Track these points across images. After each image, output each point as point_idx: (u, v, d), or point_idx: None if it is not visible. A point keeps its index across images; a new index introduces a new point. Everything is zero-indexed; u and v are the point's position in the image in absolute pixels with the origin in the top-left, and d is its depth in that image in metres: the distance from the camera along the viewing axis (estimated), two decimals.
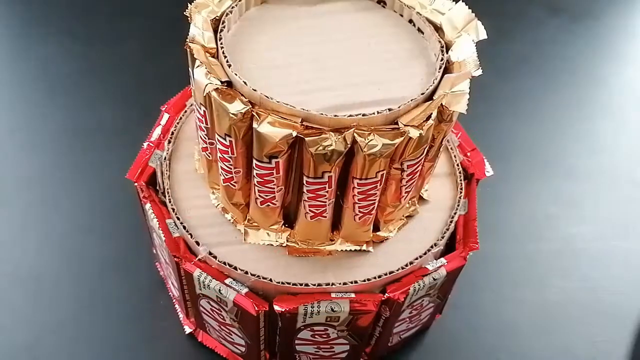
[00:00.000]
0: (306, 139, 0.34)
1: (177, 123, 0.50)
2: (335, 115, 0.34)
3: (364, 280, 0.42)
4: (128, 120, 0.69)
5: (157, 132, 0.49)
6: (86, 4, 0.86)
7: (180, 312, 0.53)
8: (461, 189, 0.48)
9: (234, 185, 0.41)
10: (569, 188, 0.69)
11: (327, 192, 0.38)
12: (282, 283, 0.41)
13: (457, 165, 0.49)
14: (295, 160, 0.37)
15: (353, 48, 0.40)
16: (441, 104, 0.36)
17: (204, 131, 0.41)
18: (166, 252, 0.44)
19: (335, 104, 0.36)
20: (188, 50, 0.37)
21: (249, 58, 0.38)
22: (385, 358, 0.53)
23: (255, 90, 0.35)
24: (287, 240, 0.43)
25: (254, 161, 0.37)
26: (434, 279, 0.43)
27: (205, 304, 0.45)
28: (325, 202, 0.39)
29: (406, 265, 0.43)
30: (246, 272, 0.41)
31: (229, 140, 0.37)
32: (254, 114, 0.35)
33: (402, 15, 0.43)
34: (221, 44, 0.38)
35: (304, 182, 0.37)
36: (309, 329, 0.43)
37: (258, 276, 0.41)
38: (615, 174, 0.71)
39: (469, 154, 0.50)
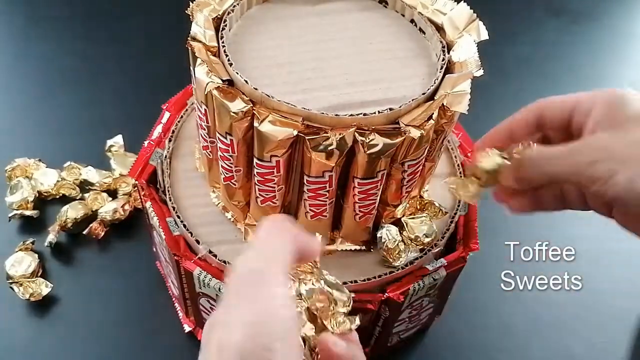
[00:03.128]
0: (307, 138, 0.34)
1: (178, 122, 0.50)
2: (337, 115, 0.34)
3: (364, 280, 0.42)
4: (129, 118, 0.69)
5: (157, 131, 0.49)
6: (87, 2, 0.86)
7: (180, 310, 0.53)
8: None
9: (235, 184, 0.41)
10: None
11: (327, 191, 0.38)
12: None
13: (458, 165, 0.49)
14: (296, 160, 0.37)
15: (354, 47, 0.40)
16: (442, 104, 0.36)
17: (204, 130, 0.41)
18: (166, 250, 0.44)
19: (337, 103, 0.36)
20: (189, 48, 0.37)
21: (250, 57, 0.38)
22: (384, 358, 0.53)
23: (256, 89, 0.35)
24: None
25: (255, 160, 0.37)
26: (434, 279, 0.43)
27: (205, 302, 0.45)
28: (326, 201, 0.39)
29: (406, 265, 0.43)
30: None
31: (230, 139, 0.37)
32: (255, 112, 0.35)
33: (403, 15, 0.43)
34: (222, 42, 0.38)
35: (305, 181, 0.37)
36: None
37: None
38: None
39: (469, 154, 0.50)
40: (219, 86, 0.35)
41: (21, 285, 0.54)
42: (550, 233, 0.63)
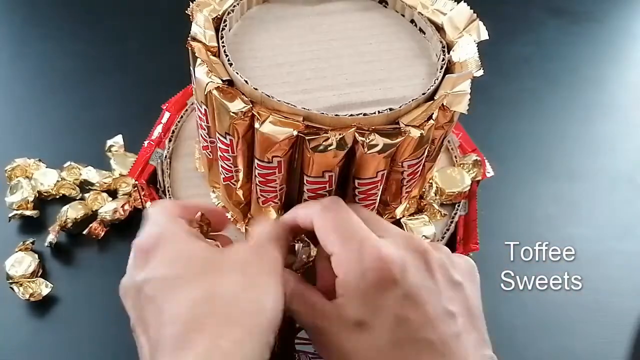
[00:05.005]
0: (307, 138, 0.34)
1: (178, 122, 0.50)
2: (337, 115, 0.34)
3: None
4: (129, 118, 0.69)
5: (157, 131, 0.49)
6: (87, 2, 0.86)
7: None
8: None
9: (234, 184, 0.41)
10: (569, 189, 0.69)
11: (327, 191, 0.38)
12: None
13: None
14: (296, 160, 0.37)
15: (354, 47, 0.40)
16: (442, 104, 0.36)
17: (204, 130, 0.41)
18: None
19: (337, 103, 0.36)
20: (189, 48, 0.37)
21: (250, 57, 0.38)
22: None
23: (256, 89, 0.35)
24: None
25: (256, 160, 0.37)
26: None
27: None
28: None
29: None
30: None
31: (230, 139, 0.37)
32: (255, 113, 0.35)
33: (403, 15, 0.43)
34: (222, 42, 0.38)
35: (305, 181, 0.37)
36: None
37: None
38: (615, 175, 0.71)
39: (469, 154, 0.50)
40: (219, 86, 0.35)
41: (21, 285, 0.54)
42: (550, 233, 0.63)
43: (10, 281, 0.54)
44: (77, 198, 0.61)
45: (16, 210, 0.59)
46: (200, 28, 0.37)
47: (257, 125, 0.34)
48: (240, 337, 0.28)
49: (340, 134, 0.34)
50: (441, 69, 0.38)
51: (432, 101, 0.36)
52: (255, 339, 0.29)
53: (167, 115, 0.50)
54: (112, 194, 0.62)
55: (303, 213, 0.35)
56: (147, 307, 0.30)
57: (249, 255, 0.32)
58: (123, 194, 0.61)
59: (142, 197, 0.46)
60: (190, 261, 0.31)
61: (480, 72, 0.37)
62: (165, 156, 0.47)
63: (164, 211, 0.34)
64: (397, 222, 0.44)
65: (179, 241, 0.32)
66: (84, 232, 0.58)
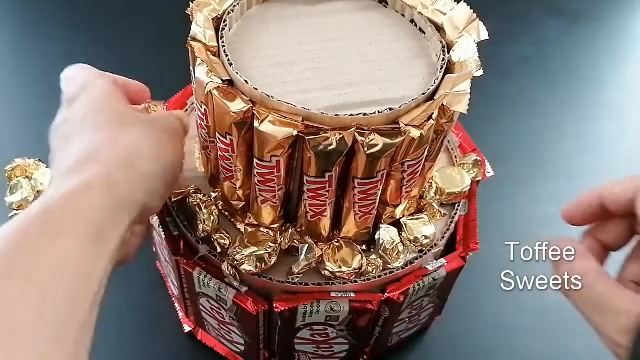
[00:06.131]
0: (307, 138, 0.34)
1: None
2: (336, 115, 0.34)
3: (364, 280, 0.42)
4: None
5: None
6: (87, 2, 0.86)
7: (180, 310, 0.53)
8: None
9: (235, 184, 0.41)
10: (568, 188, 0.69)
11: (327, 191, 0.38)
12: (282, 282, 0.41)
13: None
14: (296, 159, 0.37)
15: (354, 47, 0.40)
16: (442, 104, 0.36)
17: (204, 130, 0.41)
18: (166, 250, 0.44)
19: (336, 103, 0.36)
20: (189, 48, 0.37)
21: (250, 57, 0.38)
22: (384, 358, 0.53)
23: (256, 89, 0.35)
24: (288, 239, 0.43)
25: (255, 160, 0.37)
26: (434, 280, 0.43)
27: (205, 302, 0.45)
28: (326, 201, 0.39)
29: (406, 265, 0.43)
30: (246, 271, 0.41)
31: (230, 139, 0.37)
32: (255, 113, 0.35)
33: (403, 15, 0.43)
34: (222, 42, 0.38)
35: (305, 181, 0.37)
36: (308, 328, 0.43)
37: (258, 275, 0.41)
38: (614, 175, 0.71)
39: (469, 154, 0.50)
40: (219, 86, 0.35)
41: None
42: (551, 233, 0.63)
43: None
44: None
45: (16, 210, 0.59)
46: (200, 28, 0.37)
47: (256, 124, 0.34)
48: (133, 177, 0.31)
49: (340, 134, 0.34)
50: (441, 69, 0.38)
51: (432, 101, 0.36)
52: (147, 181, 0.32)
53: None
54: None
55: (616, 186, 0.32)
56: (59, 143, 0.35)
57: (159, 117, 0.36)
58: None
59: None
60: (104, 111, 0.33)
61: (480, 72, 0.37)
62: None
63: (90, 68, 0.37)
64: (397, 222, 0.44)
65: (100, 92, 0.35)
66: None
